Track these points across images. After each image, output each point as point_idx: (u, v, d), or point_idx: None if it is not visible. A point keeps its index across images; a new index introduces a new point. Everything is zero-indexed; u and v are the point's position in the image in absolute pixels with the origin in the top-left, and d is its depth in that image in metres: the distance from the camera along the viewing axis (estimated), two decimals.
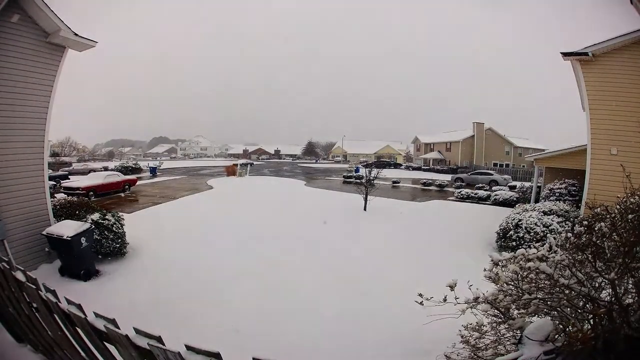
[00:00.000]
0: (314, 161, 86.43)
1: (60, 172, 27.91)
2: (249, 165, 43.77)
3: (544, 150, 27.92)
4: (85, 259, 7.32)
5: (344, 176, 31.73)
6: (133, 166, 35.93)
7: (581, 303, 2.72)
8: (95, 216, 8.35)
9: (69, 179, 24.07)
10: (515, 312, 3.23)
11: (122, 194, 20.15)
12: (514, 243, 9.13)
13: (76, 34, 7.70)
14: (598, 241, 2.63)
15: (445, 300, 3.18)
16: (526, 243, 8.74)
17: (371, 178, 16.68)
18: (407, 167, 59.79)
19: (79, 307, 2.53)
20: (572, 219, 9.19)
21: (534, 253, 2.91)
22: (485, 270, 3.42)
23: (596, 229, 2.73)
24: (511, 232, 9.44)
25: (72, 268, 7.27)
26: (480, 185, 26.20)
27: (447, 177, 34.03)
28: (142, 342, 2.02)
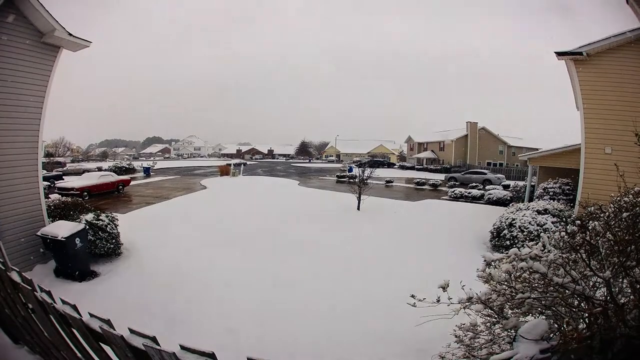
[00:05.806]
0: (308, 161, 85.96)
1: (54, 173, 27.63)
2: (242, 165, 43.73)
3: (537, 149, 28.06)
4: (79, 259, 7.28)
5: (337, 176, 31.76)
6: (127, 166, 35.69)
7: (576, 302, 2.73)
8: (89, 217, 8.31)
9: (63, 179, 23.89)
10: (509, 311, 3.24)
11: (116, 194, 20.06)
12: (507, 242, 9.19)
13: (70, 34, 7.65)
14: (592, 240, 2.64)
15: (438, 301, 3.18)
16: (520, 242, 8.79)
17: (364, 177, 16.72)
18: (401, 167, 59.66)
19: (74, 307, 2.52)
20: (565, 218, 9.26)
21: (527, 252, 2.92)
22: (478, 270, 3.43)
23: (590, 227, 2.75)
24: (505, 231, 9.50)
25: (67, 269, 7.23)
26: (474, 184, 26.34)
27: (441, 177, 34.15)
28: (137, 343, 2.01)
